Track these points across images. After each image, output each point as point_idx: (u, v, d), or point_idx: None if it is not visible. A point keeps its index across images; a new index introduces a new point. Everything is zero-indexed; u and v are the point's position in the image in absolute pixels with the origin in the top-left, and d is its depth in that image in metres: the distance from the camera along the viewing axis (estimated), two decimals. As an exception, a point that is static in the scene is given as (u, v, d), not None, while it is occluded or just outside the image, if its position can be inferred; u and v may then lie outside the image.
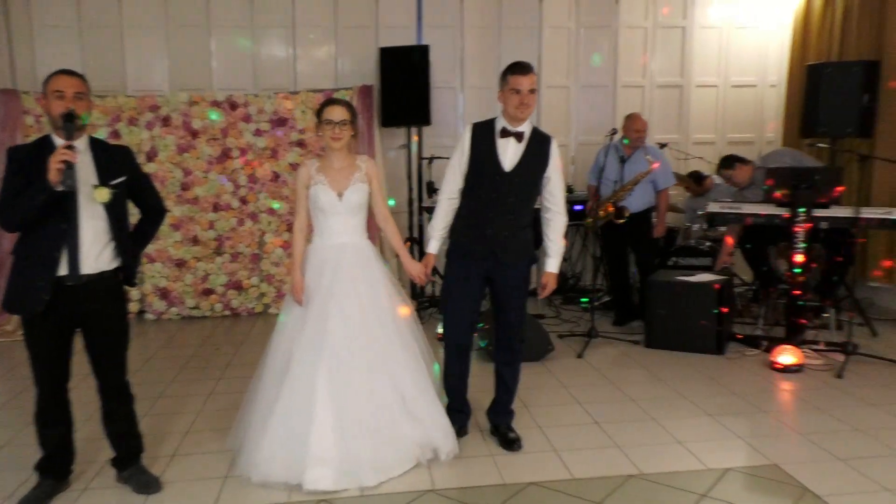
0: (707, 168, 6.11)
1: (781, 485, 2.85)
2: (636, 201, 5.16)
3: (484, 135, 3.11)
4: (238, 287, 5.91)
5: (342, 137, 3.03)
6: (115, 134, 5.64)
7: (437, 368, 3.26)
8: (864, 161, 5.08)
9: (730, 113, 6.66)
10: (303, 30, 6.12)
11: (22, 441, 3.32)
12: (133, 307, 5.70)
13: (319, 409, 2.84)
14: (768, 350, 4.42)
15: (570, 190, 6.28)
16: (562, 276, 6.32)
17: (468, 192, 3.17)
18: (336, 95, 5.76)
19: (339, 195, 3.04)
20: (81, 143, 2.65)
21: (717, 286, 4.58)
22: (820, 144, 5.35)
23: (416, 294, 5.54)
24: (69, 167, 2.46)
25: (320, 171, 3.08)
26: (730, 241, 5.18)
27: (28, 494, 2.79)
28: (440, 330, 4.30)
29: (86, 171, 2.62)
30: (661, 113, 6.57)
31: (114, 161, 2.73)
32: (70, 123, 2.54)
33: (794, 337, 4.43)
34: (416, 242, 5.92)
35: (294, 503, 2.79)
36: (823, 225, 4.45)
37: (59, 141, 2.60)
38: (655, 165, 4.97)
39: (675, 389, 3.98)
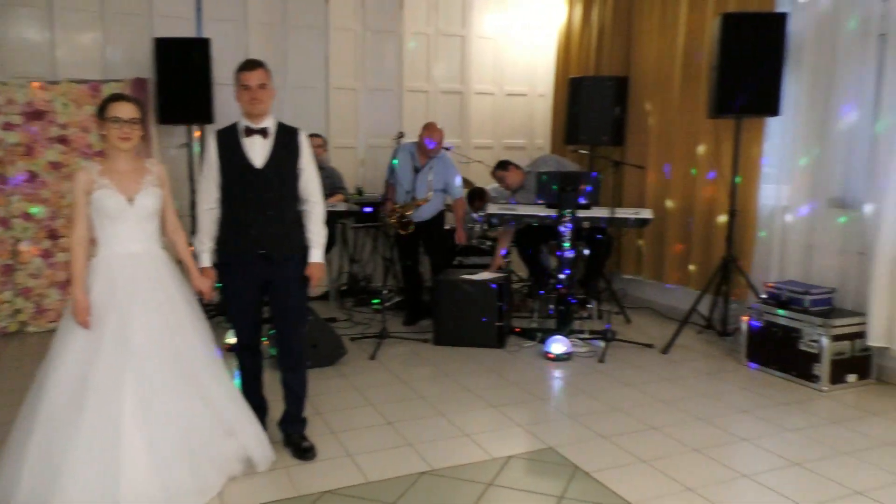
0: (485, 170, 6.49)
1: (557, 466, 3.14)
2: (426, 210, 5.37)
3: (229, 138, 3.11)
4: (-13, 302, 5.19)
5: (131, 138, 2.81)
6: None
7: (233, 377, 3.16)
8: (617, 166, 5.74)
9: (505, 120, 7.12)
10: (63, 13, 5.50)
11: None
12: None
13: (128, 441, 2.60)
14: (542, 341, 4.84)
15: (359, 192, 6.36)
16: (353, 277, 6.39)
17: (226, 198, 3.14)
18: (105, 88, 5.28)
19: (130, 200, 2.80)
20: None
21: (496, 284, 4.91)
22: (581, 151, 5.96)
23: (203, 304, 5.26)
24: None
25: (104, 175, 2.80)
26: (502, 244, 5.52)
27: None
28: (229, 339, 4.16)
29: None
30: (445, 118, 6.84)
31: None
32: None
33: (563, 328, 4.89)
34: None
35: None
36: (585, 224, 4.96)
37: None
38: (422, 203, 5.21)
39: (461, 384, 4.21)
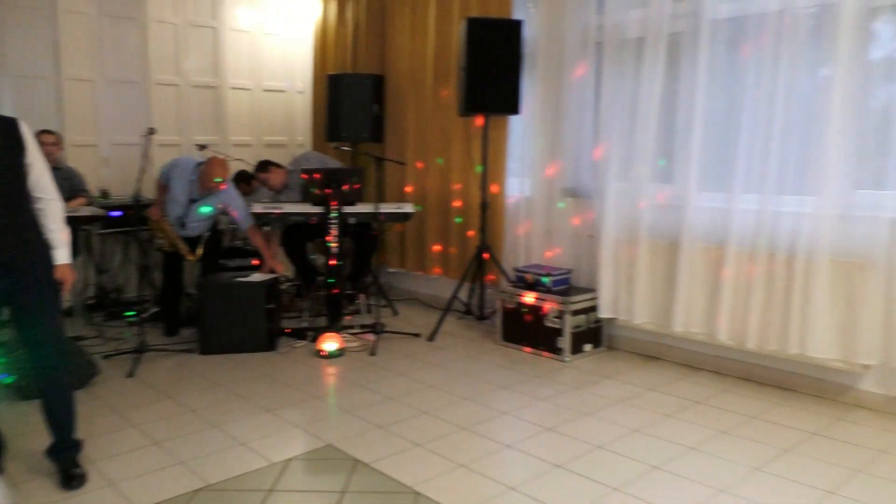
0: (247, 168, 6.31)
1: (337, 462, 3.19)
2: (197, 228, 5.15)
3: None
4: None
5: None
6: None
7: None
8: (379, 163, 5.91)
9: (264, 116, 6.94)
10: None
11: None
12: None
13: None
14: (314, 340, 4.85)
15: (105, 194, 5.81)
16: (102, 289, 5.83)
17: None
18: None
19: None
20: None
21: (264, 285, 4.81)
22: (344, 148, 6.04)
23: None
24: None
25: None
26: (273, 244, 5.43)
27: None
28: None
29: None
30: (199, 113, 6.50)
31: None
32: None
33: (334, 325, 4.94)
34: None
35: None
36: (352, 220, 5.05)
37: None
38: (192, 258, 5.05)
39: (233, 391, 4.07)
